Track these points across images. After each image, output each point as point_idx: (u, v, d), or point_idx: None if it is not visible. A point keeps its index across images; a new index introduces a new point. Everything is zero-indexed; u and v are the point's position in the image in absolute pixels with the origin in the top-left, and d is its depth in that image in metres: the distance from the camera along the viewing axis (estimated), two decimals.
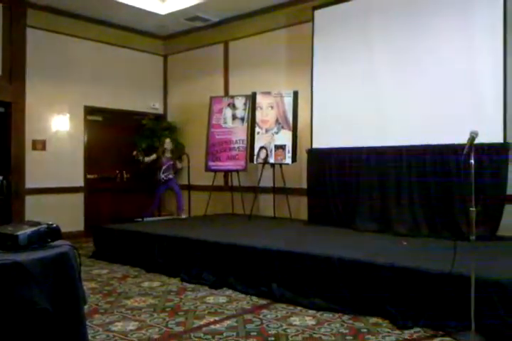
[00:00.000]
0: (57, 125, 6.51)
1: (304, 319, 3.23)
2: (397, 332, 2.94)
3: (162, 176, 6.62)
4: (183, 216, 6.61)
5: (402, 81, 5.02)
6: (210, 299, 3.72)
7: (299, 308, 3.45)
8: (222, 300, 3.69)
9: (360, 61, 5.33)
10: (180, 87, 7.65)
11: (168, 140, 6.78)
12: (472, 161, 3.04)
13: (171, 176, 6.69)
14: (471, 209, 2.90)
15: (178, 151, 7.04)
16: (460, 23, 4.70)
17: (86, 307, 2.85)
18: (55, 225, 2.27)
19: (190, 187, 6.74)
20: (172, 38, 7.71)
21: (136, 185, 7.30)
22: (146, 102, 7.59)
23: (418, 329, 2.97)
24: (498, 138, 4.42)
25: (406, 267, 3.19)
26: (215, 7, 6.41)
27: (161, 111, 7.83)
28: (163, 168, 6.64)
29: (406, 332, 2.93)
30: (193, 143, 7.24)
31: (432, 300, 3.01)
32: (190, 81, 7.49)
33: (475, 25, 4.62)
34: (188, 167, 6.75)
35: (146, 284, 4.19)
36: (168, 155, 6.70)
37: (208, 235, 4.59)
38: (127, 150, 6.99)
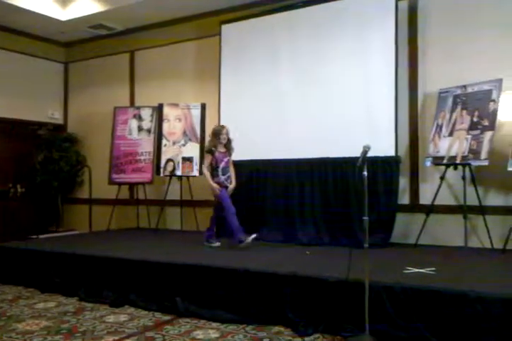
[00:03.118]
0: None
1: (207, 332, 3.19)
2: (298, 339, 3.01)
3: None
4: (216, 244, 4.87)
5: (305, 98, 5.22)
6: (110, 318, 3.55)
7: (203, 321, 3.41)
8: (123, 318, 3.54)
9: (266, 77, 5.48)
10: (83, 96, 7.33)
11: None
12: (365, 173, 3.23)
13: None
14: (364, 218, 3.07)
15: (79, 164, 6.72)
16: (357, 46, 5.01)
17: None
18: None
19: (91, 201, 6.44)
20: (74, 45, 7.39)
21: (32, 199, 6.81)
22: (45, 111, 7.17)
23: (318, 335, 3.06)
24: (391, 152, 4.76)
25: (307, 276, 3.29)
26: (120, 16, 6.27)
27: (60, 121, 7.43)
28: None
29: (306, 338, 3.01)
30: (95, 155, 6.95)
31: (331, 307, 3.13)
32: (93, 90, 7.20)
33: (370, 49, 4.95)
34: (90, 180, 6.45)
35: (40, 305, 3.90)
36: None
37: (108, 251, 4.41)
38: (23, 162, 6.52)
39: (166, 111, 5.98)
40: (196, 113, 5.90)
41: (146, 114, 6.30)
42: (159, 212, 5.95)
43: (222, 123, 5.20)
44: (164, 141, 5.92)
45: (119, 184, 6.21)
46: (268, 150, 5.36)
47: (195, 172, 5.76)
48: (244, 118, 5.57)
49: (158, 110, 6.05)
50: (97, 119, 6.99)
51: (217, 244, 4.79)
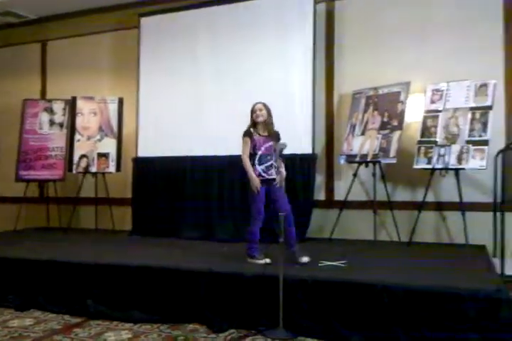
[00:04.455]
0: None
1: (119, 333, 3.08)
2: (213, 335, 2.99)
3: None
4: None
5: (225, 96, 5.21)
6: (15, 322, 3.32)
7: (115, 323, 3.28)
8: (28, 322, 3.33)
9: (186, 73, 5.41)
10: None
11: None
12: (282, 170, 3.29)
13: None
14: (280, 214, 3.13)
15: None
16: (276, 46, 5.07)
17: None
18: None
19: None
20: None
21: None
22: None
23: (233, 330, 3.06)
24: (308, 150, 4.88)
25: (222, 272, 3.29)
26: (32, 3, 5.89)
27: None
28: None
29: (221, 335, 2.99)
30: (1, 150, 6.47)
31: (247, 302, 3.14)
32: (0, 82, 6.70)
33: (289, 49, 5.03)
34: None
35: None
36: None
37: (12, 252, 4.13)
38: None
39: (80, 104, 5.70)
40: (113, 107, 5.68)
41: (59, 107, 5.97)
42: (71, 211, 5.66)
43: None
44: (78, 136, 5.64)
45: (28, 181, 5.83)
46: (188, 147, 5.29)
47: (112, 169, 5.55)
48: (164, 113, 5.47)
49: (72, 103, 5.75)
50: (5, 112, 6.51)
51: (266, 260, 3.54)
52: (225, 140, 5.13)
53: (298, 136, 4.85)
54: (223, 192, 5.08)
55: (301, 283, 3.07)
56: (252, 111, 3.71)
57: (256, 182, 3.58)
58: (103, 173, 5.61)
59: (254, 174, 3.59)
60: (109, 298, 3.48)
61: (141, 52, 5.65)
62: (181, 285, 3.33)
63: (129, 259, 3.74)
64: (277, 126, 4.91)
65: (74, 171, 5.62)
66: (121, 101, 5.70)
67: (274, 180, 3.58)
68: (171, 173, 5.32)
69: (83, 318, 3.39)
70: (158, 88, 5.54)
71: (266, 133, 3.70)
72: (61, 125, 5.93)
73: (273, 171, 3.62)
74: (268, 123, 3.70)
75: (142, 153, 5.54)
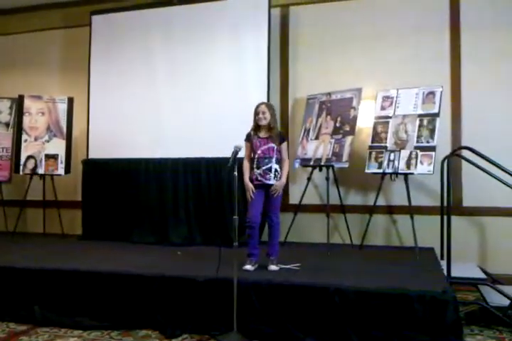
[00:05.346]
0: None
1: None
2: None
3: None
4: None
5: (181, 97, 5.15)
6: None
7: (64, 330, 3.18)
8: None
9: (140, 74, 5.30)
10: None
11: None
12: (236, 173, 3.28)
13: None
14: (234, 217, 3.12)
15: None
16: (232, 49, 5.06)
17: None
18: None
19: None
20: None
21: None
22: None
23: (186, 335, 3.03)
24: None
25: (175, 276, 3.24)
26: None
27: None
28: None
29: (174, 340, 2.96)
30: None
31: (200, 306, 3.12)
32: None
33: (245, 53, 5.03)
34: None
35: None
36: None
37: None
38: None
39: (28, 103, 5.47)
40: (63, 107, 5.49)
41: (5, 106, 5.72)
42: (18, 214, 5.42)
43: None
44: (25, 136, 5.41)
45: None
46: (142, 149, 5.19)
47: (60, 171, 5.36)
48: (116, 114, 5.34)
49: (19, 102, 5.51)
50: None
51: (247, 267, 3.44)
52: (180, 142, 5.09)
53: None
54: (178, 196, 5.01)
55: (255, 287, 3.07)
56: (255, 114, 3.56)
57: (248, 187, 3.48)
58: (51, 175, 5.41)
59: (247, 179, 3.50)
60: (58, 305, 3.36)
61: (93, 51, 5.50)
62: (133, 290, 3.26)
63: (78, 264, 3.62)
64: (232, 128, 4.94)
65: (21, 172, 5.38)
66: (71, 101, 5.51)
67: (271, 185, 3.47)
68: (124, 176, 5.19)
69: (29, 326, 3.27)
70: (110, 88, 5.40)
71: (267, 135, 3.54)
72: (7, 124, 5.68)
73: (272, 176, 3.48)
74: (271, 126, 3.54)
75: (93, 154, 5.38)
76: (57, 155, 5.38)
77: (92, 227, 5.23)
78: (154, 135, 5.19)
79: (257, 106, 3.56)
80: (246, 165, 3.55)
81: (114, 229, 5.12)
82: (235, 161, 3.17)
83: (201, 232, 4.88)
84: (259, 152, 3.50)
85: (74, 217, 5.56)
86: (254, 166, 3.50)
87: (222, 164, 4.76)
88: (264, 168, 3.48)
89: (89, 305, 3.30)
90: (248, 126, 4.86)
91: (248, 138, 3.59)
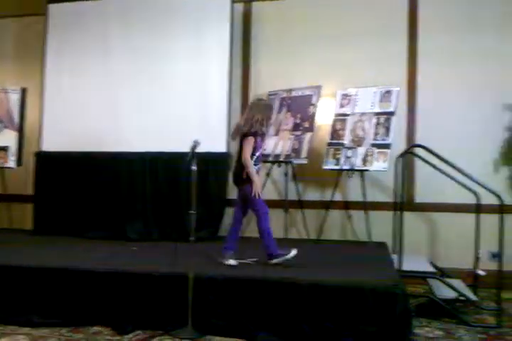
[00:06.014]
0: None
1: (15, 338, 2.88)
2: (117, 337, 2.89)
3: None
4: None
5: (140, 91, 5.05)
6: None
7: (11, 328, 3.06)
8: None
9: (97, 66, 5.17)
10: None
11: None
12: (195, 168, 3.26)
13: None
14: (191, 212, 3.10)
15: None
16: (194, 43, 5.01)
17: None
18: None
19: None
20: None
21: None
22: None
23: (139, 332, 2.98)
24: (223, 149, 4.88)
25: (128, 271, 3.18)
26: None
27: None
28: None
29: (126, 336, 2.90)
30: None
31: (154, 302, 3.07)
32: None
33: (207, 48, 4.98)
34: None
35: None
36: None
37: None
38: None
39: None
40: (15, 98, 5.29)
41: None
42: None
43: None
44: None
45: None
46: (98, 142, 5.06)
47: (11, 163, 5.16)
48: (72, 106, 5.18)
49: None
50: None
51: (293, 252, 3.41)
52: (138, 136, 5.00)
53: (213, 134, 4.82)
54: (135, 191, 4.92)
55: (211, 281, 3.05)
56: (271, 110, 3.71)
57: (260, 184, 3.46)
58: (1, 168, 5.21)
59: (257, 177, 3.43)
60: (4, 302, 3.23)
61: (48, 41, 5.32)
62: (85, 286, 3.17)
63: (26, 260, 3.49)
64: (192, 123, 4.90)
65: None
66: (24, 92, 5.31)
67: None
68: (79, 170, 5.05)
69: None
70: (67, 79, 5.24)
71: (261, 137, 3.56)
72: None
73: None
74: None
75: (47, 147, 5.21)
76: (8, 147, 5.18)
77: (45, 222, 5.07)
78: (111, 128, 5.08)
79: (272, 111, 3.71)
80: (250, 161, 3.42)
81: (68, 224, 4.98)
82: (194, 156, 3.14)
83: (158, 227, 4.82)
84: (260, 151, 3.52)
85: (25, 211, 5.37)
86: (253, 164, 3.45)
87: (181, 159, 4.70)
88: (258, 166, 3.52)
89: (38, 301, 3.18)
90: (208, 121, 4.90)
91: (255, 134, 3.45)
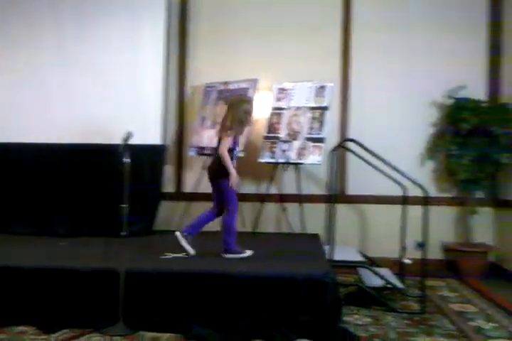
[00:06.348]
0: None
1: None
2: (44, 337, 2.77)
3: None
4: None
5: (69, 81, 4.83)
6: None
7: None
8: None
9: (25, 53, 4.87)
10: None
11: None
12: (128, 160, 3.17)
13: None
14: (122, 205, 3.01)
15: None
16: (128, 33, 4.84)
17: None
18: None
19: None
20: None
21: None
22: None
23: (66, 330, 2.86)
24: (158, 141, 4.78)
25: (56, 268, 3.05)
26: None
27: None
28: None
29: (53, 335, 2.78)
30: None
31: (84, 299, 2.97)
32: None
33: (141, 39, 4.83)
34: None
35: None
36: None
37: None
38: None
39: None
40: None
41: None
42: None
43: None
44: None
45: None
46: (23, 133, 4.78)
47: None
48: None
49: None
50: None
51: (248, 252, 3.55)
52: (67, 127, 4.78)
53: (148, 126, 4.71)
54: (62, 184, 4.70)
55: (143, 276, 2.99)
56: (251, 114, 3.71)
57: (237, 179, 3.46)
58: None
59: (234, 170, 3.44)
60: None
61: None
62: (8, 284, 3.01)
63: None
64: (126, 115, 4.75)
65: None
66: None
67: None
68: (2, 162, 4.77)
69: None
70: None
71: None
72: None
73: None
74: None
75: None
76: None
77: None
78: (39, 119, 4.81)
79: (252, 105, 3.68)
80: (227, 155, 3.46)
81: None
82: (127, 147, 3.06)
83: (88, 222, 4.63)
84: (236, 150, 3.59)
85: None
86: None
87: (112, 151, 4.56)
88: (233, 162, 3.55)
89: None
90: (142, 113, 4.77)
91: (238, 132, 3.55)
